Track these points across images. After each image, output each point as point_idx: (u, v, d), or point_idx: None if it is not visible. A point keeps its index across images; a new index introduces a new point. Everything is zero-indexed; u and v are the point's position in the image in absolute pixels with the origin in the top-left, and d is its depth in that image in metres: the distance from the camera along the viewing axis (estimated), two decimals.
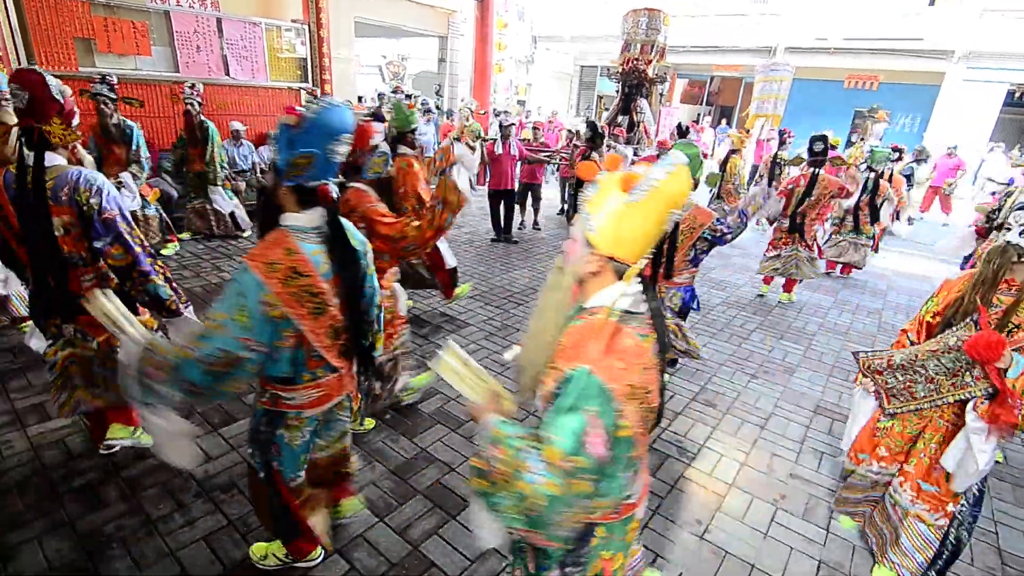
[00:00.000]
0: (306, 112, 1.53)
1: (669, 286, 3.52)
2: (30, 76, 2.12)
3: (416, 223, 2.48)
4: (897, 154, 7.10)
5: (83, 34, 6.09)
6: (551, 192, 9.92)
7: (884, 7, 13.87)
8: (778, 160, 7.72)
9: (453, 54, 13.18)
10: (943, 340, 1.94)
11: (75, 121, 2.23)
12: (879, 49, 14.05)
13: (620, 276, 1.18)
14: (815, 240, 5.51)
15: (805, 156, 5.62)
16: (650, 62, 8.78)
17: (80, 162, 2.44)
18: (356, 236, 1.80)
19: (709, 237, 3.35)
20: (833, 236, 6.58)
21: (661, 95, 9.61)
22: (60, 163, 2.15)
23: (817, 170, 5.25)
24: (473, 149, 7.08)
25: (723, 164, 7.10)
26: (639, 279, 1.21)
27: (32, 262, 2.11)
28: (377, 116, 2.90)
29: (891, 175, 6.93)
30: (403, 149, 3.80)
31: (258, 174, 7.35)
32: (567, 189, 8.59)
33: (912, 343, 2.19)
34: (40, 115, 2.12)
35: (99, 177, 2.19)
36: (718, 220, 3.32)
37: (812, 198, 5.25)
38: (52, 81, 2.16)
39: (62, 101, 2.16)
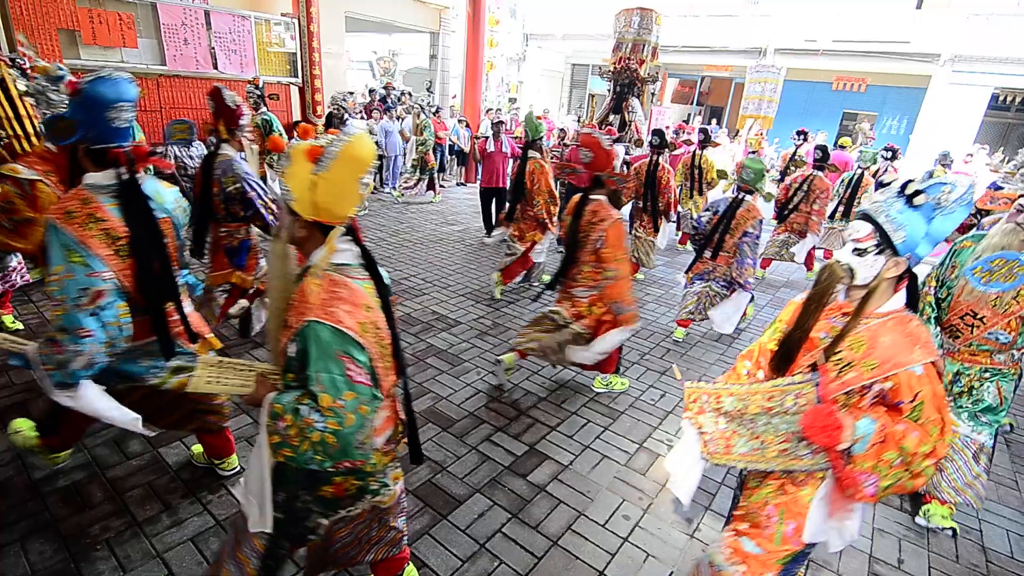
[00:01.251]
0: (81, 84, 1.77)
1: (721, 264, 4.30)
2: (215, 89, 3.17)
3: None
4: (891, 154, 7.44)
5: (68, 25, 5.99)
6: None
7: (872, 10, 14.02)
8: (796, 158, 8.25)
9: (444, 51, 13.13)
10: (779, 397, 1.60)
11: (242, 122, 3.23)
12: (867, 51, 14.19)
13: (347, 235, 1.39)
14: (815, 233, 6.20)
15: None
16: (642, 62, 8.78)
17: (241, 148, 3.35)
18: (165, 196, 2.05)
19: (751, 230, 4.10)
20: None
21: (652, 94, 9.61)
22: (228, 152, 3.17)
23: (815, 172, 6.10)
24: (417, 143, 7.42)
25: (723, 173, 7.56)
26: (350, 235, 1.40)
27: (198, 214, 3.16)
28: (619, 140, 3.58)
29: (884, 172, 7.35)
30: (532, 153, 4.90)
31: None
32: (558, 187, 8.58)
33: (748, 374, 1.86)
34: (216, 118, 3.17)
35: (242, 167, 3.16)
36: (760, 221, 4.15)
37: (802, 193, 6.03)
38: (227, 93, 3.15)
39: (234, 108, 3.15)
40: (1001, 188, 7.17)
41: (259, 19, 7.68)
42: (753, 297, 4.64)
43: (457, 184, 11.20)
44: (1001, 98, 13.60)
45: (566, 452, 3.02)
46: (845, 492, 1.48)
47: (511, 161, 7.24)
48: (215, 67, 7.26)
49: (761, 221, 4.16)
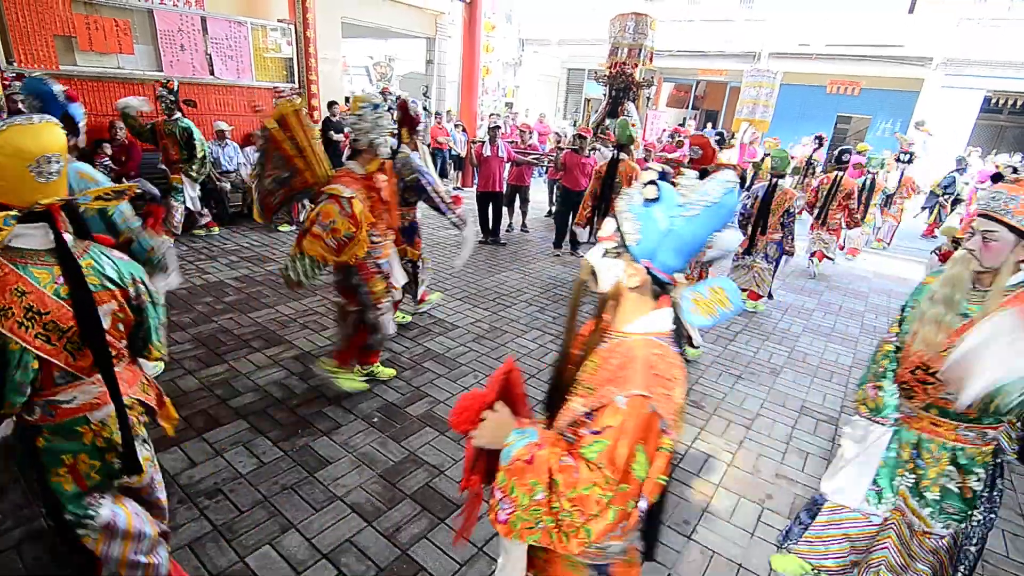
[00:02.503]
0: None
1: (767, 240, 5.23)
2: (401, 102, 4.04)
3: None
4: (908, 156, 8.27)
5: (63, 32, 5.98)
6: (539, 194, 9.95)
7: (865, 14, 14.14)
8: (812, 161, 8.65)
9: (441, 56, 13.15)
10: None
11: (419, 127, 4.14)
12: (861, 55, 14.30)
13: (31, 218, 1.39)
14: (840, 231, 6.95)
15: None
16: (637, 66, 8.84)
17: (416, 148, 4.07)
18: None
19: (791, 210, 5.07)
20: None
21: (648, 99, 9.67)
22: (405, 151, 3.83)
23: (841, 174, 6.64)
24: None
25: (758, 165, 8.26)
26: (44, 221, 1.42)
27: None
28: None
29: (900, 175, 8.33)
30: (623, 155, 5.48)
31: (243, 174, 7.27)
32: (555, 191, 8.62)
33: None
34: (400, 124, 4.00)
35: (417, 161, 3.83)
36: (796, 200, 5.10)
37: (830, 195, 6.66)
38: (411, 105, 4.01)
39: (414, 117, 4.05)
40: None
41: (255, 25, 7.68)
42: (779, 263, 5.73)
43: (454, 188, 11.23)
44: (993, 101, 13.71)
45: None
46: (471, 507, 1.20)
47: (507, 165, 7.28)
48: (212, 73, 7.26)
49: (797, 200, 5.17)
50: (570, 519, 1.02)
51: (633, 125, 5.43)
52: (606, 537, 1.04)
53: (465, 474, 1.25)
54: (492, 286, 5.65)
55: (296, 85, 8.38)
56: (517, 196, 7.95)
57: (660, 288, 1.15)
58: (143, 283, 1.66)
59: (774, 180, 5.14)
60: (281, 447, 2.86)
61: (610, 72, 9.05)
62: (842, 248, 7.67)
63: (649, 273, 1.12)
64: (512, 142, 8.55)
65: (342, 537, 2.32)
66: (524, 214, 8.21)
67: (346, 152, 3.12)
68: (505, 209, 7.68)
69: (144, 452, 1.73)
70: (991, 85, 13.20)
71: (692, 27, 16.37)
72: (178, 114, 5.86)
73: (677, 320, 1.17)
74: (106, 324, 1.53)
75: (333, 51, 9.71)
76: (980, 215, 1.69)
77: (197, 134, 5.93)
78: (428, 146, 6.89)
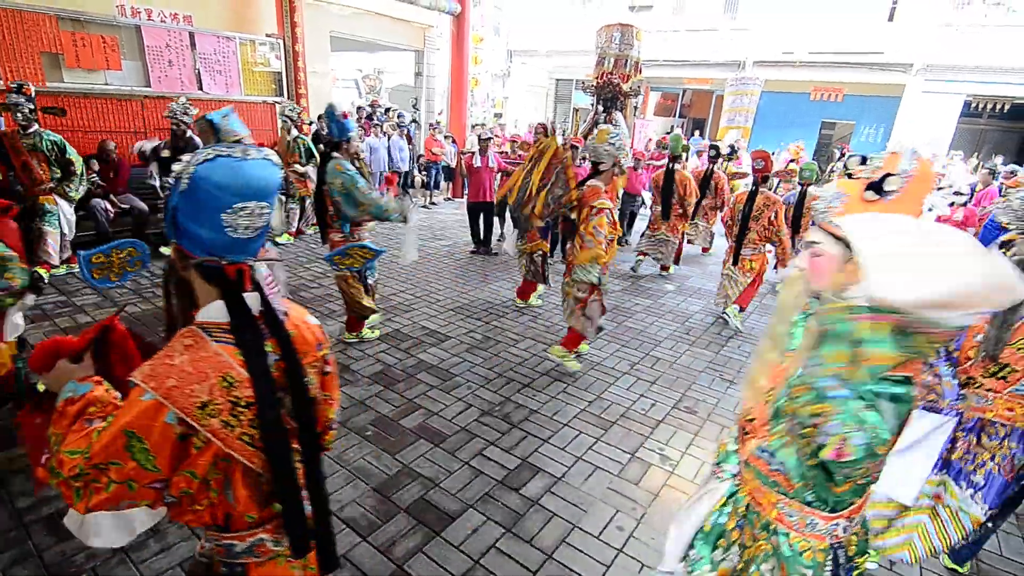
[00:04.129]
0: None
1: (800, 238, 5.69)
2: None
3: None
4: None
5: (50, 49, 5.97)
6: None
7: (846, 22, 14.41)
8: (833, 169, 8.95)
9: (429, 68, 13.24)
10: None
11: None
12: (843, 62, 14.55)
13: None
14: None
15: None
16: (626, 77, 8.93)
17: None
18: None
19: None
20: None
21: (635, 108, 9.76)
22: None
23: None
24: (303, 176, 8.14)
25: (790, 173, 8.86)
26: None
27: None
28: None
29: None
30: (678, 166, 6.25)
31: None
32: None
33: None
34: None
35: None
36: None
37: None
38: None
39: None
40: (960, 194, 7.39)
41: (244, 40, 7.71)
42: None
43: (445, 200, 11.25)
44: (973, 105, 13.97)
45: (559, 464, 3.02)
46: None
47: (498, 176, 7.30)
48: (200, 88, 7.26)
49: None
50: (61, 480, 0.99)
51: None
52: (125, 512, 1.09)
53: (26, 408, 1.22)
54: (483, 296, 5.65)
55: (284, 99, 8.38)
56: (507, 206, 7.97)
57: (209, 272, 1.06)
58: None
59: (805, 188, 5.83)
60: None
61: (597, 82, 9.14)
62: None
63: (184, 256, 1.06)
64: (502, 152, 8.60)
65: (337, 553, 2.30)
66: None
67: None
68: (496, 219, 7.70)
69: None
70: (970, 90, 13.46)
71: (677, 37, 16.59)
72: (36, 126, 4.93)
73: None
74: None
75: (322, 64, 9.76)
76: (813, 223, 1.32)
77: (71, 150, 5.11)
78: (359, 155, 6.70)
